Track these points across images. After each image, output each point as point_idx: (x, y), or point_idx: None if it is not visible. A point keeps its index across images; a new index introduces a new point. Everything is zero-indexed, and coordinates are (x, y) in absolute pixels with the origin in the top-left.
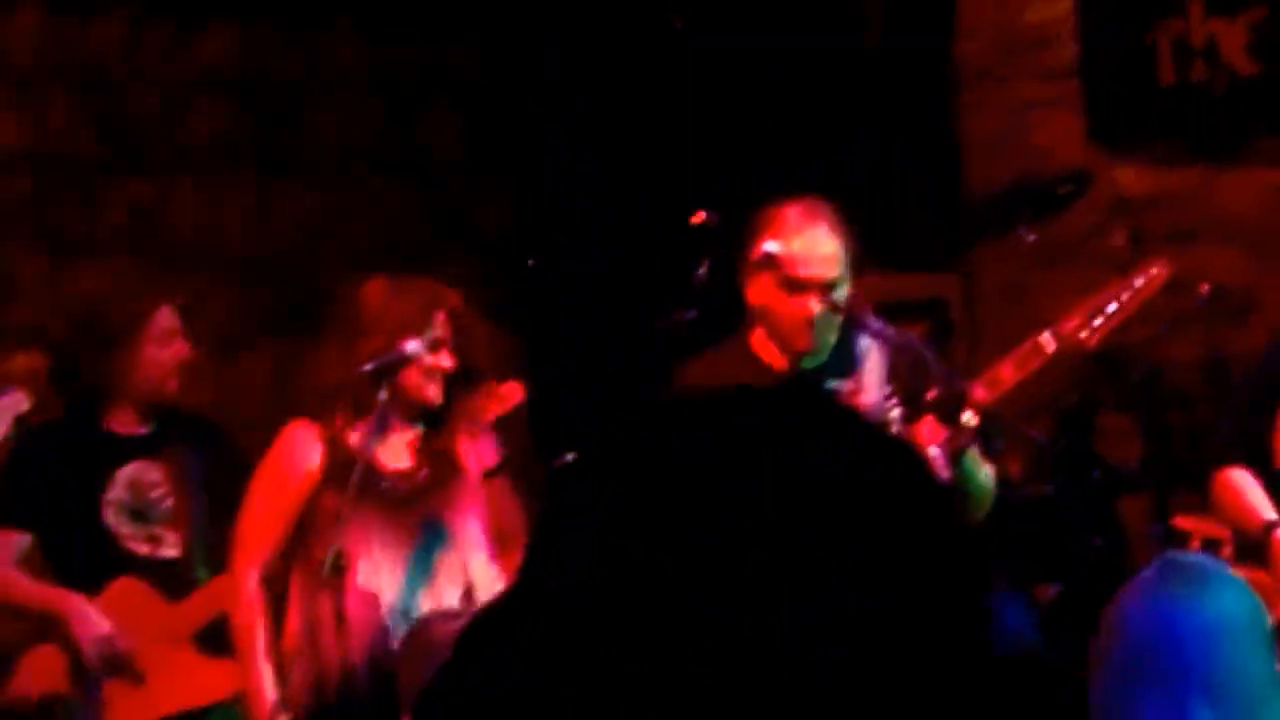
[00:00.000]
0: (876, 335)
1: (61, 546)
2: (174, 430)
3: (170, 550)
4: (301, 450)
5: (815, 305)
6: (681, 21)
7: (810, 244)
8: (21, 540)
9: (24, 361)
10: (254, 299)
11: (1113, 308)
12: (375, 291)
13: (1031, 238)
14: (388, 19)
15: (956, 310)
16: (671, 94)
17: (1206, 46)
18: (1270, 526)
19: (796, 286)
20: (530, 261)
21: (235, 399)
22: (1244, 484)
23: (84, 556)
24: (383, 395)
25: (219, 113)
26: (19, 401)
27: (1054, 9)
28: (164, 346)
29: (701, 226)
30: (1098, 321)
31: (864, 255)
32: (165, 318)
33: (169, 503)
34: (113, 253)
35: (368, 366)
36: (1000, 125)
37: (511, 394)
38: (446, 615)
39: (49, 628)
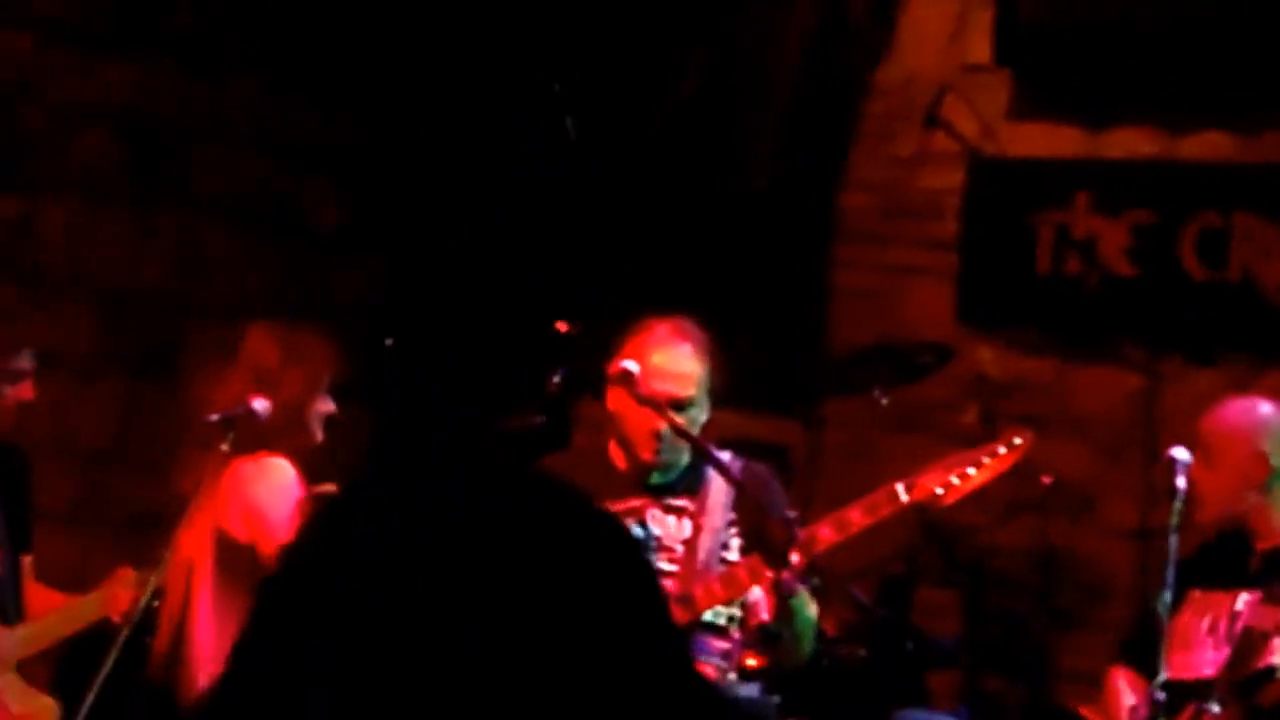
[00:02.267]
0: (719, 467)
1: None
2: None
3: None
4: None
5: (663, 421)
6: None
7: (668, 361)
8: None
9: None
10: (114, 332)
11: (972, 470)
12: (278, 337)
13: (885, 400)
14: (287, 78)
15: (798, 458)
16: (556, 199)
17: (1086, 240)
18: None
19: (648, 401)
20: (388, 341)
21: (83, 429)
22: (1122, 686)
23: None
24: (224, 447)
25: (105, 142)
26: None
27: (944, 180)
28: (13, 385)
29: (562, 335)
30: (955, 480)
31: (719, 389)
32: (24, 360)
33: None
34: None
35: (214, 416)
36: (872, 284)
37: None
38: None
39: None
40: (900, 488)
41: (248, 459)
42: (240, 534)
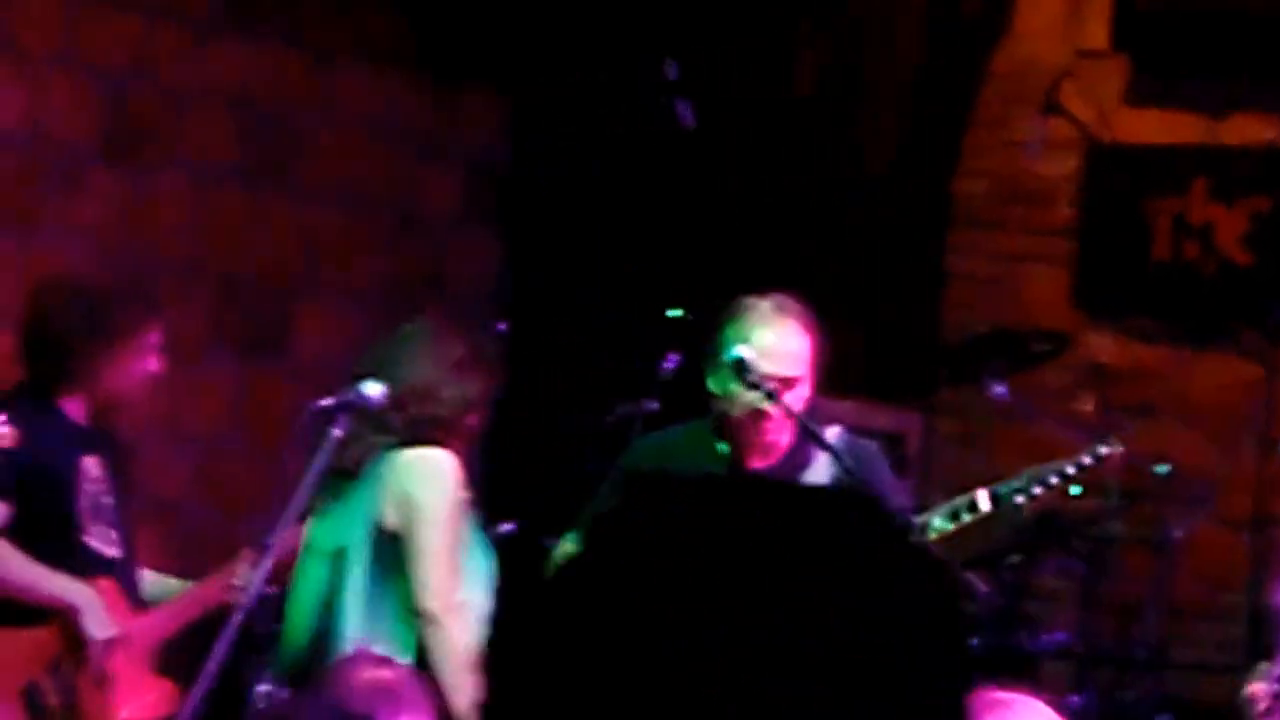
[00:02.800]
0: (828, 449)
1: (34, 526)
2: (104, 432)
3: (115, 550)
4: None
5: (770, 401)
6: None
7: (772, 340)
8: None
9: None
10: (226, 315)
11: (1054, 480)
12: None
13: (999, 389)
14: (401, 60)
15: (912, 447)
16: (676, 185)
17: (1203, 228)
18: None
19: (753, 381)
20: (501, 325)
21: (194, 413)
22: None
23: (54, 543)
24: (335, 431)
25: (217, 124)
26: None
27: (1059, 166)
28: (145, 358)
29: (677, 321)
30: (1037, 490)
31: (832, 377)
32: (157, 334)
33: (109, 501)
34: (90, 243)
35: (325, 402)
36: (986, 271)
37: None
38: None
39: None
40: (983, 495)
41: (409, 449)
42: (393, 523)
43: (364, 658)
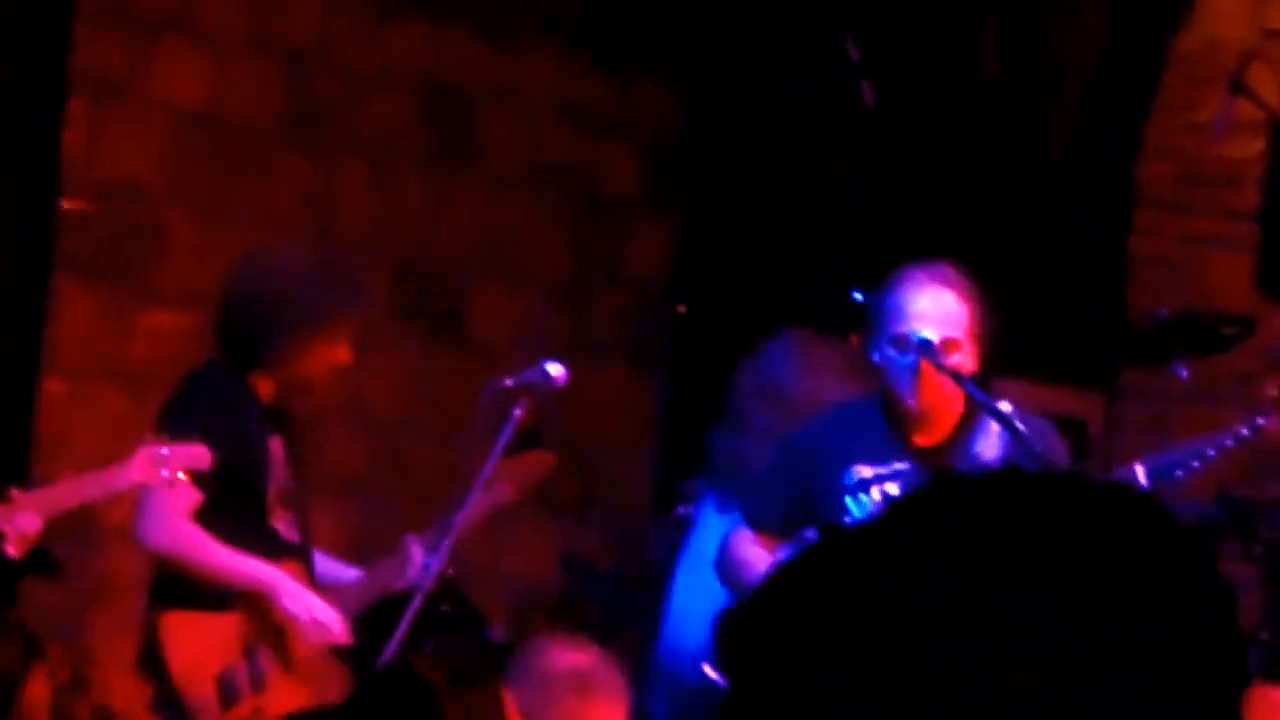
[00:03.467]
0: (1000, 418)
1: (225, 509)
2: (285, 411)
3: (295, 534)
4: None
5: (924, 362)
6: (872, 96)
7: (930, 304)
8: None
9: (158, 320)
10: (407, 297)
11: (1212, 454)
12: None
13: (1185, 373)
14: (582, 44)
15: (1095, 431)
16: (850, 167)
17: None
18: None
19: (906, 343)
20: (681, 308)
21: (375, 396)
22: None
23: (245, 526)
24: (518, 413)
25: (399, 107)
26: (198, 458)
27: (1245, 149)
28: (338, 348)
29: (855, 304)
30: (1195, 464)
31: (1014, 359)
32: (353, 325)
33: (290, 484)
34: (274, 226)
35: (509, 382)
36: (1171, 254)
37: None
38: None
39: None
40: (1140, 470)
41: None
42: None
43: (559, 641)
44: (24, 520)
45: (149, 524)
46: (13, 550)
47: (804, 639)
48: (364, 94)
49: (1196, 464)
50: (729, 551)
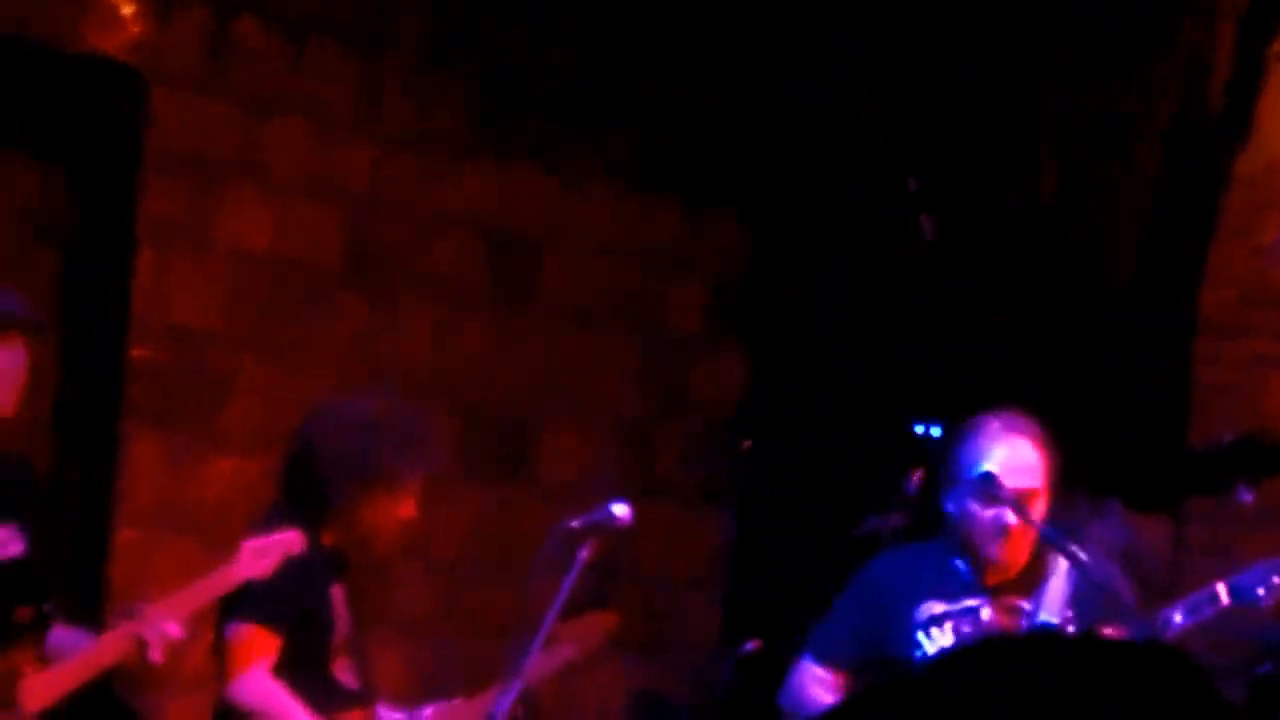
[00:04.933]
0: (1071, 558)
1: (293, 656)
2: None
3: (354, 681)
4: None
5: (1010, 516)
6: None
7: (1009, 456)
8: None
9: (224, 465)
10: (470, 438)
11: None
12: None
13: (1249, 497)
14: (646, 178)
15: (1162, 556)
16: (913, 302)
17: None
18: None
19: (995, 498)
20: (747, 443)
21: (437, 537)
22: None
23: (309, 674)
24: (584, 553)
25: (463, 248)
26: (292, 542)
27: None
28: (405, 503)
29: (920, 435)
30: (1276, 580)
31: (1079, 488)
32: (421, 481)
33: (349, 631)
34: (335, 366)
35: (574, 523)
36: (1233, 379)
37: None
38: None
39: None
40: (1221, 588)
41: None
42: None
43: None
44: (166, 626)
45: (239, 677)
46: (157, 655)
47: None
48: (425, 236)
49: (1277, 580)
50: (792, 686)
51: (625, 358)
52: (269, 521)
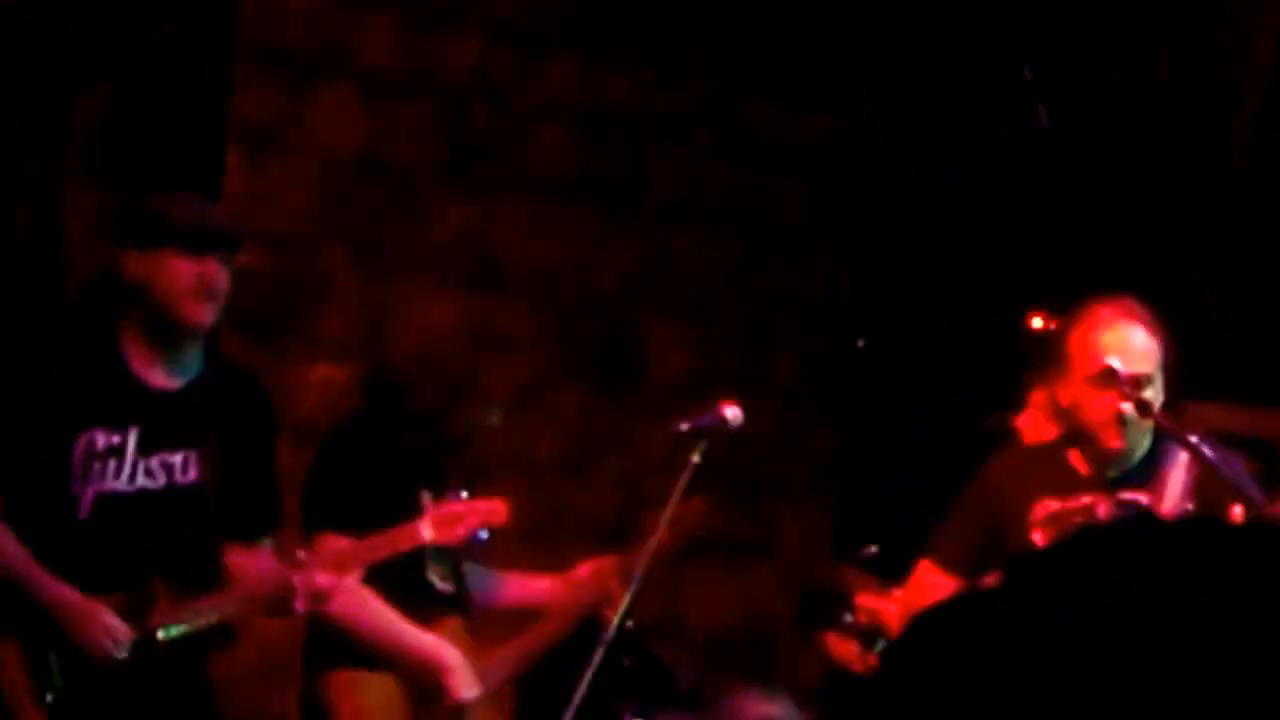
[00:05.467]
0: (1189, 447)
1: (385, 565)
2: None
3: (450, 586)
4: None
5: (1126, 403)
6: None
7: (1121, 341)
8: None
9: (324, 371)
10: (571, 335)
11: None
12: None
13: None
14: (744, 73)
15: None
16: (1028, 191)
17: None
18: None
19: (1106, 383)
20: (860, 343)
21: (542, 440)
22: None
23: (403, 580)
24: (695, 458)
25: (559, 141)
26: (494, 512)
27: None
28: (488, 408)
29: (1037, 330)
30: None
31: (1200, 380)
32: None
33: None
34: (434, 269)
35: (683, 426)
36: None
37: None
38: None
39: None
40: None
41: None
42: None
43: (752, 692)
44: (319, 578)
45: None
46: (300, 605)
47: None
48: (523, 131)
49: None
50: (912, 590)
51: (729, 256)
52: (353, 428)
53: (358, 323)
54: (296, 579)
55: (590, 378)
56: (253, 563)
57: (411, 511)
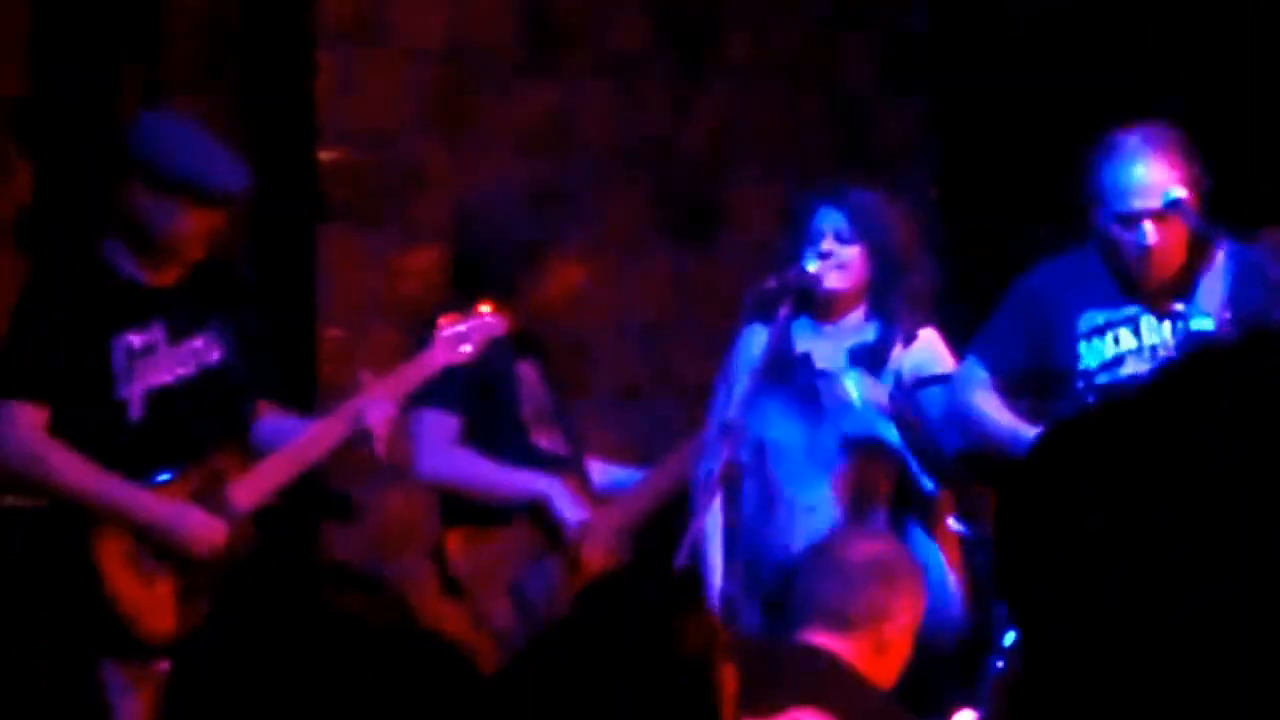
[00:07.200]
0: (1229, 252)
1: (488, 435)
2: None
3: (563, 449)
4: None
5: (1152, 235)
6: None
7: (1140, 175)
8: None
9: (421, 256)
10: (659, 202)
11: None
12: None
13: None
14: None
15: None
16: (1103, 41)
17: None
18: None
19: (1129, 220)
20: (934, 189)
21: (635, 304)
22: None
23: (509, 448)
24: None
25: (635, 21)
26: (492, 325)
27: None
28: (567, 273)
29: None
30: None
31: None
32: (578, 246)
33: (549, 404)
34: (519, 150)
35: (771, 282)
36: None
37: None
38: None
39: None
40: None
41: None
42: None
43: (859, 531)
44: (384, 405)
45: (421, 457)
46: (380, 448)
47: (1078, 504)
48: (602, 10)
49: None
50: (957, 385)
51: (805, 112)
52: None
53: (451, 207)
54: (363, 406)
55: (680, 239)
56: (289, 423)
57: (511, 381)
